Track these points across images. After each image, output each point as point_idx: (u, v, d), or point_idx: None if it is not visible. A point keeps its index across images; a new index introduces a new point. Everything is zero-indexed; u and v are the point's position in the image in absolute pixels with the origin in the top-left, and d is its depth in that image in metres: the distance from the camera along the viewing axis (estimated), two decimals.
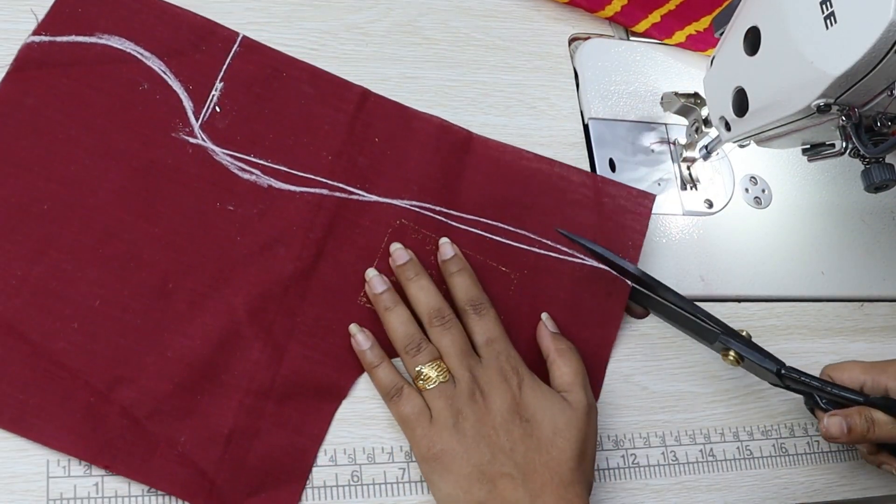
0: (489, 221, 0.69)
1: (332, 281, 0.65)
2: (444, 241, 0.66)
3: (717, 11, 0.71)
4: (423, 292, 0.64)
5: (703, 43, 0.82)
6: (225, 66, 0.67)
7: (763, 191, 0.81)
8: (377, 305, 0.64)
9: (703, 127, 0.76)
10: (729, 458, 0.71)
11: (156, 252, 0.61)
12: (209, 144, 0.65)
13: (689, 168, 0.79)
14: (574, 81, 0.79)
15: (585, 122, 0.78)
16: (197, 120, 0.65)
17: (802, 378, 0.66)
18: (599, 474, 0.67)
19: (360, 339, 0.63)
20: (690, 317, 0.67)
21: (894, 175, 0.62)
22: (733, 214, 0.79)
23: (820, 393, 0.67)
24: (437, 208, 0.68)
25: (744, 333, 0.67)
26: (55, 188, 0.61)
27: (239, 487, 0.58)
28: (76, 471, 0.56)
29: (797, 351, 0.76)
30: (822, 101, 0.59)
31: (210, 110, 0.66)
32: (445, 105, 0.73)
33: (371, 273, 0.65)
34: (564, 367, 0.63)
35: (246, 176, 0.65)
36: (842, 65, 0.56)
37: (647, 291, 0.69)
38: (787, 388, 0.67)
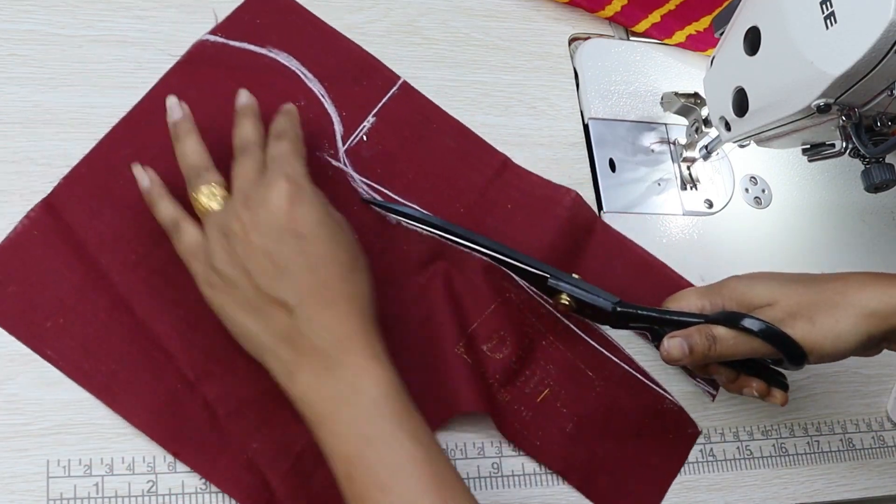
0: (591, 323, 0.69)
1: (432, 328, 0.65)
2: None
3: (717, 11, 0.71)
4: (243, 128, 0.60)
5: (703, 43, 0.82)
6: (381, 104, 0.70)
7: (763, 191, 0.81)
8: (172, 135, 0.60)
9: (703, 127, 0.76)
10: (729, 458, 0.71)
11: None
12: (349, 170, 0.67)
13: (689, 168, 0.79)
14: (574, 81, 0.79)
15: (585, 122, 0.78)
16: (343, 145, 0.67)
17: (640, 312, 0.65)
18: None
19: (140, 177, 0.59)
20: (516, 263, 0.66)
21: (894, 175, 0.62)
22: (733, 214, 0.79)
23: (660, 324, 0.65)
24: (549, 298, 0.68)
25: (575, 276, 0.66)
26: None
27: None
28: (76, 471, 0.56)
29: None
30: (822, 101, 0.59)
31: (357, 139, 0.68)
32: (445, 105, 0.73)
33: (171, 101, 0.60)
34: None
35: (377, 208, 0.66)
36: (842, 65, 0.56)
37: (470, 245, 0.67)
38: (629, 327, 0.67)
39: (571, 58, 0.80)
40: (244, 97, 0.62)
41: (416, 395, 0.62)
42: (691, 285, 0.73)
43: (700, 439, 0.70)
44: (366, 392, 0.53)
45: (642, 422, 0.68)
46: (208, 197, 0.57)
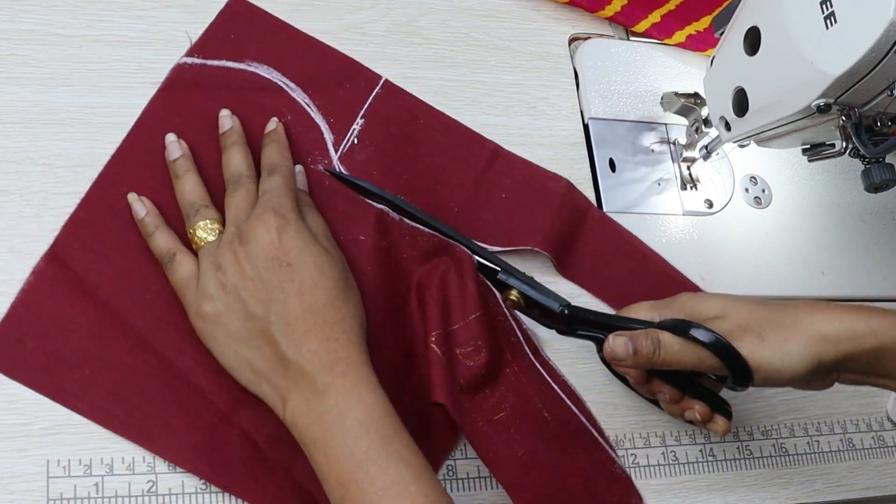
0: (556, 368, 0.67)
1: (419, 315, 0.64)
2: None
3: (717, 11, 0.72)
4: (232, 158, 0.62)
5: (703, 43, 0.82)
6: (367, 105, 0.69)
7: (763, 191, 0.81)
8: (171, 172, 0.62)
9: (703, 127, 0.76)
10: (729, 458, 0.71)
11: None
12: (346, 175, 0.66)
13: (689, 168, 0.79)
14: (574, 81, 0.79)
15: (585, 122, 0.78)
16: (336, 152, 0.67)
17: (588, 316, 0.63)
18: None
19: (137, 207, 0.60)
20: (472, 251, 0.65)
21: (894, 175, 0.62)
22: (733, 214, 0.79)
23: (608, 329, 0.62)
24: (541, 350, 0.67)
25: (527, 273, 0.65)
26: None
27: None
28: (76, 471, 0.56)
29: None
30: (822, 101, 0.59)
31: (349, 143, 0.67)
32: (445, 105, 0.73)
33: (170, 138, 0.63)
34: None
35: (379, 205, 0.65)
36: (842, 65, 0.57)
37: (426, 226, 0.66)
38: (576, 333, 0.64)
39: (571, 58, 0.80)
40: (227, 122, 0.64)
41: (400, 381, 0.62)
42: (684, 277, 0.73)
43: (700, 439, 0.70)
44: (354, 415, 0.54)
45: (591, 479, 0.65)
46: (205, 231, 0.59)
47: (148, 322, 0.59)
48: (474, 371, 0.64)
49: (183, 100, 0.65)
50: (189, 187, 0.61)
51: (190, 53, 0.66)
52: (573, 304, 0.64)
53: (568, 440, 0.66)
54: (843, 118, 0.60)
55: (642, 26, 0.82)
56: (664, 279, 0.73)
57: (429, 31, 0.76)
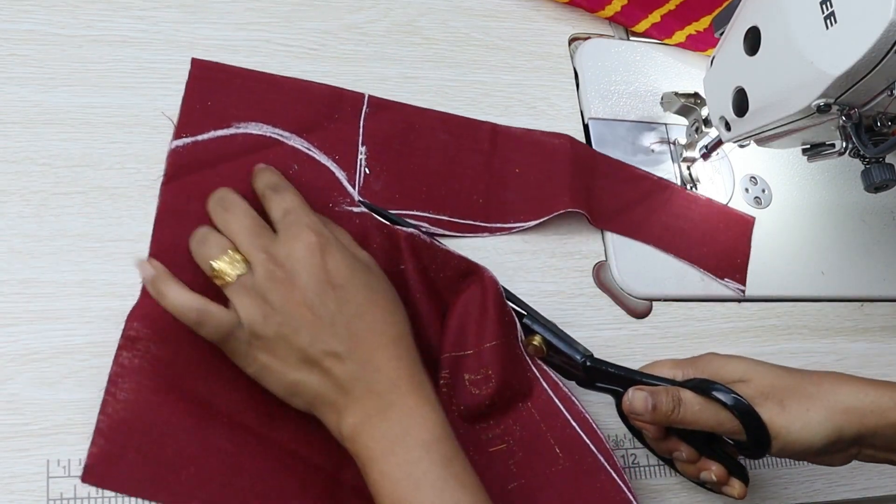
0: (575, 401, 0.64)
1: (438, 335, 0.63)
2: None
3: (717, 11, 0.72)
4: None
5: (703, 43, 0.82)
6: (361, 130, 0.68)
7: (763, 191, 0.81)
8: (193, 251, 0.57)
9: (703, 127, 0.76)
10: None
11: None
12: (384, 211, 0.65)
13: (689, 168, 0.79)
14: (574, 81, 0.79)
15: (585, 122, 0.78)
16: (354, 187, 0.65)
17: (610, 370, 0.62)
18: None
19: (141, 266, 0.56)
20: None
21: (894, 175, 0.62)
22: None
23: (629, 385, 0.61)
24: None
25: (552, 321, 0.64)
26: None
27: None
28: (76, 471, 0.56)
29: (797, 351, 0.76)
30: (822, 101, 0.59)
31: (362, 176, 0.66)
32: (445, 105, 0.73)
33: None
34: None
35: (407, 229, 0.64)
36: (842, 65, 0.57)
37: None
38: (595, 386, 0.63)
39: (571, 58, 0.80)
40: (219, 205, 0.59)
41: (446, 408, 0.61)
42: (687, 192, 0.76)
43: None
44: (416, 434, 0.53)
45: None
46: (231, 265, 0.55)
47: (236, 402, 0.58)
48: (478, 400, 0.63)
49: (191, 184, 0.62)
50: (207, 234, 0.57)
51: (178, 135, 0.64)
52: (595, 356, 0.63)
53: (577, 480, 0.63)
54: (843, 118, 0.60)
55: (642, 26, 0.82)
56: (672, 195, 0.76)
57: (429, 31, 0.76)
